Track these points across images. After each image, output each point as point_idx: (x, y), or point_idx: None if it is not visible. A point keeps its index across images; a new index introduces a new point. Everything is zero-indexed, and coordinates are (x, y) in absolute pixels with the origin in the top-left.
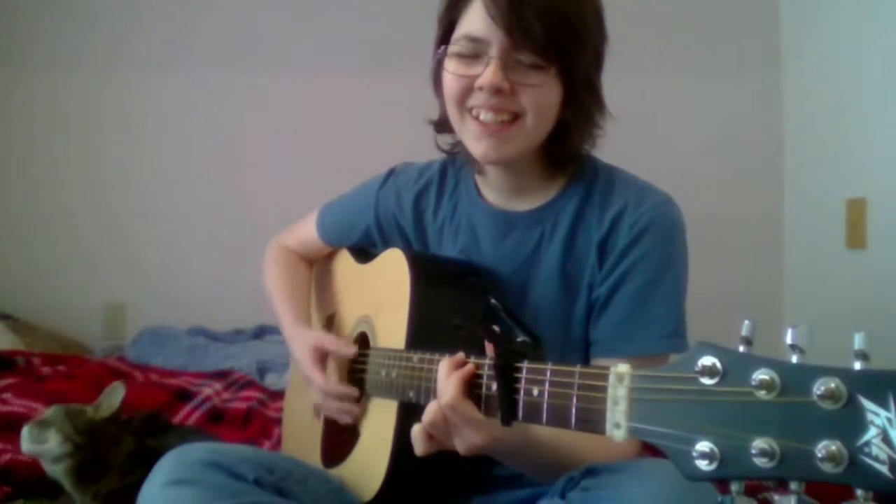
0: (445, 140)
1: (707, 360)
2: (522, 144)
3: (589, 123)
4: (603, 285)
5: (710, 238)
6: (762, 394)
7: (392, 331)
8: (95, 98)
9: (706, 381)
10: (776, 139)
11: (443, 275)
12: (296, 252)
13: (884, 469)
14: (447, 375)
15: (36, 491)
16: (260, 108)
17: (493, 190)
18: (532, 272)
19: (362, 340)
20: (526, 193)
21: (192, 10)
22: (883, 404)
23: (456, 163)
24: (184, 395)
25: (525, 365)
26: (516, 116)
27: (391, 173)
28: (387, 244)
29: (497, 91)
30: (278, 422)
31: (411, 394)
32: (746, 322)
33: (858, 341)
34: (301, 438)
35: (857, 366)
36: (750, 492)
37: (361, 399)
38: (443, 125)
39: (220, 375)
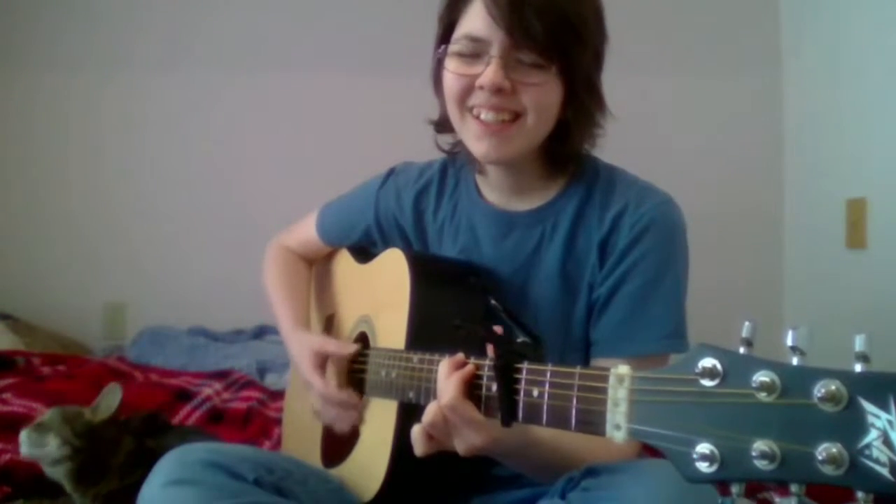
0: (446, 140)
1: (707, 362)
2: (523, 144)
3: (589, 123)
4: (603, 285)
5: (710, 238)
6: (763, 396)
7: (392, 331)
8: (95, 98)
9: (706, 382)
10: (776, 139)
11: (443, 275)
12: (295, 252)
13: (884, 471)
14: (447, 376)
15: (36, 491)
16: (260, 108)
17: (493, 190)
18: (532, 272)
19: (362, 340)
20: (526, 193)
21: (192, 10)
22: (884, 407)
23: (456, 163)
24: (184, 395)
25: (525, 366)
26: (517, 116)
27: (391, 173)
28: (387, 244)
29: (498, 90)
30: (278, 422)
31: (411, 394)
32: (747, 323)
33: (859, 343)
34: (301, 438)
35: (858, 368)
36: (750, 491)
37: (361, 401)
38: (443, 125)
39: (220, 375)
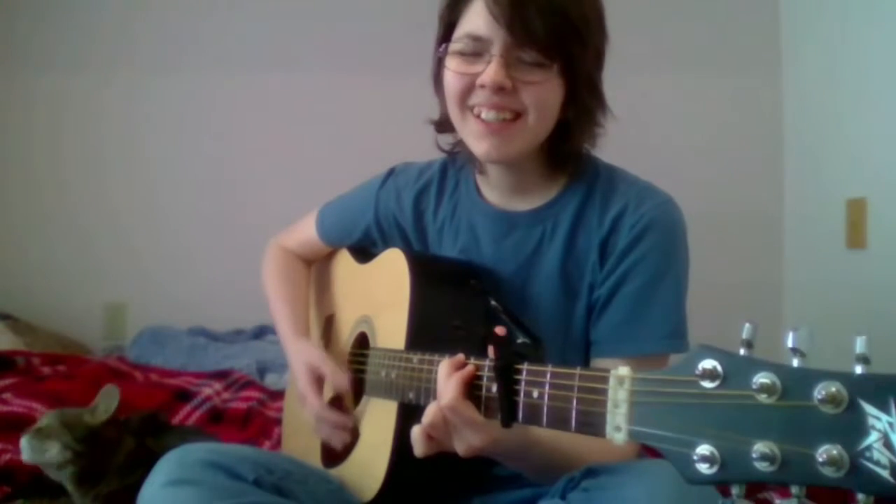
0: (446, 140)
1: (708, 364)
2: (524, 143)
3: (590, 122)
4: (603, 286)
5: (710, 238)
6: (763, 397)
7: (392, 331)
8: (95, 98)
9: (707, 384)
10: (776, 139)
11: (443, 275)
12: (295, 252)
13: (885, 473)
14: (447, 377)
15: (36, 491)
16: (260, 108)
17: (493, 189)
18: (532, 272)
19: (362, 340)
20: (527, 193)
21: (192, 10)
22: (884, 409)
23: (456, 162)
24: (184, 396)
25: (525, 367)
26: (518, 115)
27: (391, 173)
28: (387, 244)
29: (499, 89)
30: (278, 422)
31: (411, 395)
32: (747, 325)
33: (859, 345)
34: (301, 438)
35: (858, 370)
36: (750, 491)
37: (353, 420)
38: (443, 125)
39: (220, 375)
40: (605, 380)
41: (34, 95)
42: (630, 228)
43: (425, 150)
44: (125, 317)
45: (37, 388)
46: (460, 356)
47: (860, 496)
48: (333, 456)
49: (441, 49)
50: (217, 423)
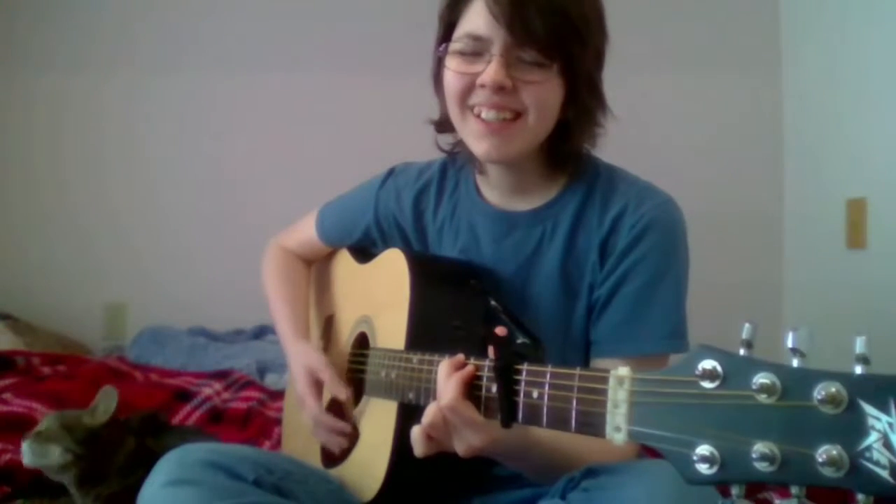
0: (446, 140)
1: (708, 364)
2: (524, 143)
3: (590, 122)
4: (603, 286)
5: (710, 238)
6: (763, 398)
7: (392, 331)
8: (95, 98)
9: (707, 384)
10: (776, 139)
11: (443, 275)
12: (295, 252)
13: (885, 474)
14: (447, 377)
15: (36, 491)
16: (260, 108)
17: (493, 189)
18: (532, 272)
19: (362, 340)
20: (527, 193)
21: (192, 10)
22: (884, 409)
23: (456, 162)
24: (184, 396)
25: (525, 367)
26: (518, 114)
27: (391, 173)
28: (387, 244)
29: (499, 88)
30: (278, 422)
31: (411, 395)
32: (747, 325)
33: (859, 345)
34: (301, 438)
35: (858, 370)
36: (750, 491)
37: (357, 406)
38: (443, 125)
39: (220, 375)
40: (604, 380)
41: (34, 95)
42: (630, 228)
43: (425, 150)
44: (125, 317)
45: (37, 388)
46: (460, 356)
47: (860, 496)
48: (333, 456)
49: (441, 49)
50: (217, 423)
